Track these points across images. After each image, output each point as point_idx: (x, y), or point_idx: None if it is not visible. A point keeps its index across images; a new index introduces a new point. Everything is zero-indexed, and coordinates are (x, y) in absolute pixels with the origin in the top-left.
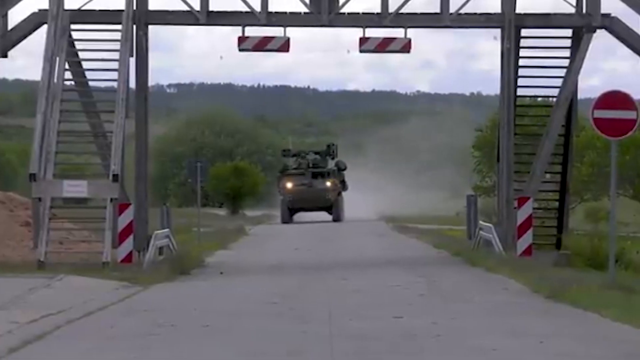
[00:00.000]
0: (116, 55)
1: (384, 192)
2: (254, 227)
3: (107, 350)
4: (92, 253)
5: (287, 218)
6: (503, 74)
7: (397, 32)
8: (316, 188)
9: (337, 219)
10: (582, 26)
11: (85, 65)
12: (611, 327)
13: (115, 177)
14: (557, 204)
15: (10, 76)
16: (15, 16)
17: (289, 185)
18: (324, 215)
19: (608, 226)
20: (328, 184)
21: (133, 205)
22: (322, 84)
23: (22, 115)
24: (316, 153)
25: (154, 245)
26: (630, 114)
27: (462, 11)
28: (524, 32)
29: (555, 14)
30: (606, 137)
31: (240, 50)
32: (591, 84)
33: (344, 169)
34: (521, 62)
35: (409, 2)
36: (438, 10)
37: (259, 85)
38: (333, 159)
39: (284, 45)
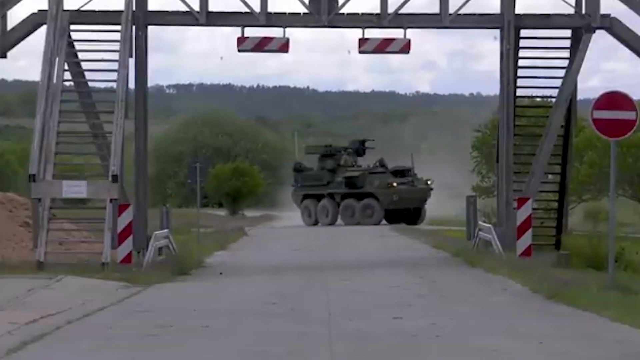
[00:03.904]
0: (115, 56)
1: None
2: (253, 228)
3: (107, 351)
4: (92, 253)
5: (381, 218)
6: (502, 74)
7: (397, 33)
8: (418, 187)
9: (420, 221)
10: (582, 27)
11: (84, 65)
12: (610, 328)
13: (115, 178)
14: (556, 204)
15: (10, 76)
16: (15, 17)
17: (394, 184)
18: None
19: (607, 226)
20: (429, 182)
21: (132, 205)
22: (322, 85)
23: (22, 115)
24: (345, 150)
25: (153, 246)
26: (629, 115)
27: (461, 12)
28: (524, 32)
29: (554, 15)
30: (606, 138)
31: (239, 51)
32: (591, 84)
33: None
34: (521, 62)
35: (408, 3)
36: (437, 11)
37: (258, 85)
38: (361, 156)
39: (284, 46)
